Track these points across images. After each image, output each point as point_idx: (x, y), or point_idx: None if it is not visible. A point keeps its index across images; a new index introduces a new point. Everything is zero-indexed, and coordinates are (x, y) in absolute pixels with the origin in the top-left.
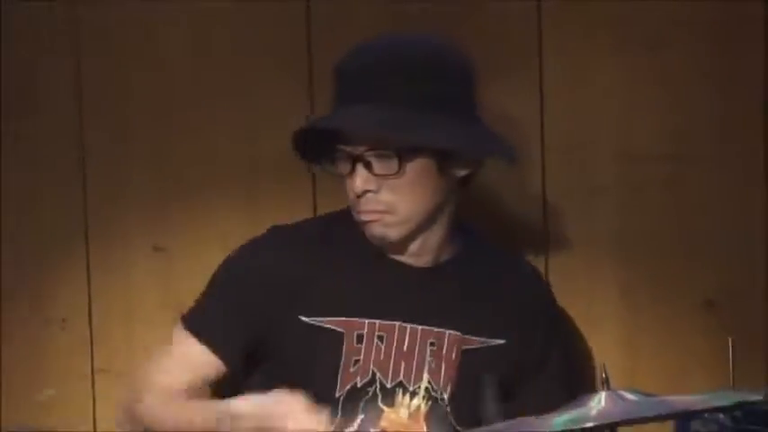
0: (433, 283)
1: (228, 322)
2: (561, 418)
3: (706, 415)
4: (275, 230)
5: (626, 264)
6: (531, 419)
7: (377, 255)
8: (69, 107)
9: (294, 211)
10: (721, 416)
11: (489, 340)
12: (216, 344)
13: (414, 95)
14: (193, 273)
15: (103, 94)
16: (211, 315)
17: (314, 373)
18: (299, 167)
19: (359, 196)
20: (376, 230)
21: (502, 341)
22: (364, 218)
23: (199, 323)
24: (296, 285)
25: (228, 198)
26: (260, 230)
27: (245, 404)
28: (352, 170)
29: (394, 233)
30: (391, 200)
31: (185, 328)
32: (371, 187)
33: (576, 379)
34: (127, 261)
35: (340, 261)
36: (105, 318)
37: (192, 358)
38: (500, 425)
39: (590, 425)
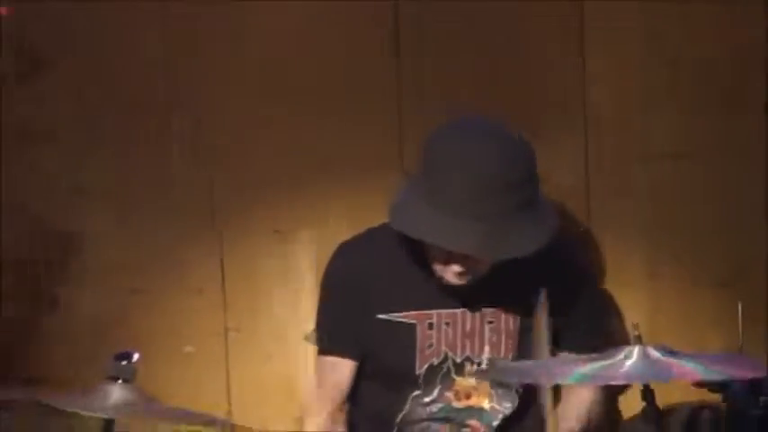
0: (488, 275)
1: (345, 327)
2: (580, 370)
3: None
4: (349, 242)
5: (653, 247)
6: (558, 364)
7: None
8: (192, 108)
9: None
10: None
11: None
12: (344, 350)
13: (506, 210)
14: (306, 251)
15: (225, 99)
16: (331, 329)
17: (394, 358)
18: (392, 164)
19: (456, 275)
20: (454, 283)
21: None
22: (452, 280)
23: (326, 342)
24: (370, 290)
25: (336, 188)
26: (360, 217)
27: None
28: (447, 259)
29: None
30: (476, 272)
31: (318, 353)
32: (464, 269)
33: (608, 338)
34: (252, 242)
35: (405, 265)
36: (234, 287)
37: (338, 378)
38: (529, 363)
39: (601, 383)
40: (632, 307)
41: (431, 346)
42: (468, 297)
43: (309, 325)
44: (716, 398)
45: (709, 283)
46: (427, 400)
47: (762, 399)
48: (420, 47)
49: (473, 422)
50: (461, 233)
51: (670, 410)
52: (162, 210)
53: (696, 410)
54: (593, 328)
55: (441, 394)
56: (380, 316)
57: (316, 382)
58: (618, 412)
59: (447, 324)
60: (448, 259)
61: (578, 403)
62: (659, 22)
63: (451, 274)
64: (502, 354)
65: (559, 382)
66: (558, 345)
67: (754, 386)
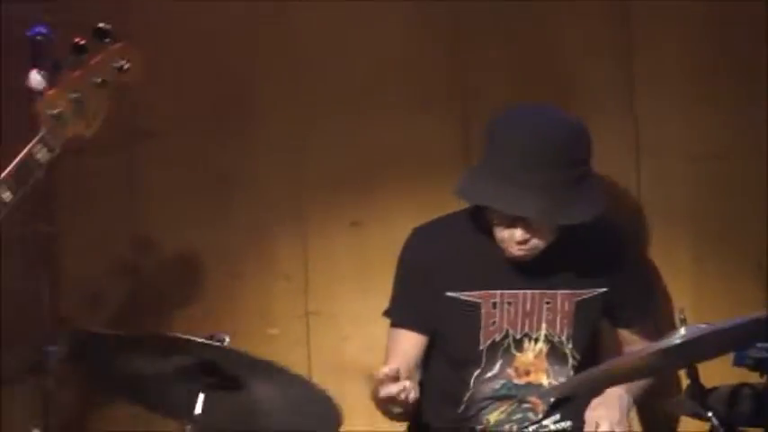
0: (545, 257)
1: (416, 303)
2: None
3: (758, 345)
4: (422, 227)
5: (697, 233)
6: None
7: None
8: (291, 113)
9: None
10: None
11: (594, 290)
12: (416, 325)
13: (564, 181)
14: (379, 241)
15: (313, 104)
16: (403, 304)
17: (460, 334)
18: (456, 161)
19: (518, 243)
20: (519, 258)
21: (605, 289)
22: (517, 253)
23: (398, 316)
24: (441, 270)
25: (405, 185)
26: (427, 210)
27: None
28: (510, 225)
29: (531, 257)
30: (536, 243)
31: (391, 325)
32: (525, 238)
33: (659, 316)
34: (331, 234)
35: (472, 248)
36: (316, 274)
37: (406, 348)
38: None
39: (676, 342)
40: (678, 291)
41: (494, 323)
42: (528, 279)
43: (381, 308)
44: (755, 377)
45: (751, 268)
46: (489, 375)
47: None
48: (481, 44)
49: (533, 398)
50: (522, 199)
51: (712, 388)
52: (255, 205)
53: (737, 388)
54: (646, 308)
55: (502, 370)
56: (449, 294)
57: (388, 353)
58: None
59: (509, 303)
60: (510, 224)
61: None
62: (699, 24)
63: (515, 246)
64: (557, 331)
65: None
66: (613, 323)
67: None
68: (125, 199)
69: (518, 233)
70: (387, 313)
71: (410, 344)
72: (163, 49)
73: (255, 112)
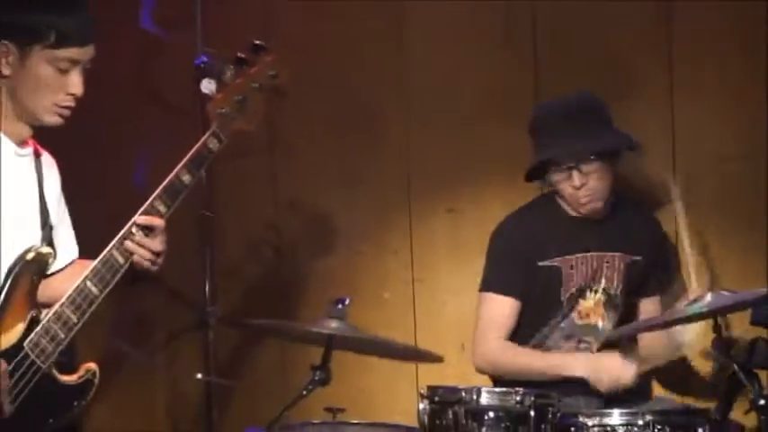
0: (603, 228)
1: (512, 272)
2: (690, 308)
3: None
4: (512, 215)
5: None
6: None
7: (574, 218)
8: (403, 125)
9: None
10: None
11: (635, 257)
12: (512, 290)
13: (597, 128)
14: (470, 224)
15: (430, 111)
16: (499, 274)
17: (547, 292)
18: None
19: (578, 189)
20: (591, 206)
21: (639, 257)
22: (583, 200)
23: (493, 283)
24: (532, 246)
25: (492, 178)
26: (510, 199)
27: (575, 358)
28: (570, 175)
29: (600, 205)
30: (594, 185)
31: (486, 291)
32: (584, 182)
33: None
34: (432, 218)
35: (551, 226)
36: (420, 250)
37: (500, 314)
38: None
39: (705, 310)
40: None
41: (570, 280)
42: (592, 244)
43: (473, 280)
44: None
45: (763, 243)
46: (557, 319)
47: None
48: (555, 51)
49: (589, 338)
50: (566, 147)
51: (734, 341)
52: (372, 197)
53: (754, 340)
54: (668, 281)
55: (568, 313)
56: (540, 263)
57: (488, 320)
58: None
59: (582, 264)
60: (568, 176)
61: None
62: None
63: (581, 195)
64: (614, 284)
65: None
66: (640, 293)
67: None
68: (267, 193)
69: (576, 178)
70: (488, 287)
71: (511, 309)
72: (300, 68)
73: (376, 124)
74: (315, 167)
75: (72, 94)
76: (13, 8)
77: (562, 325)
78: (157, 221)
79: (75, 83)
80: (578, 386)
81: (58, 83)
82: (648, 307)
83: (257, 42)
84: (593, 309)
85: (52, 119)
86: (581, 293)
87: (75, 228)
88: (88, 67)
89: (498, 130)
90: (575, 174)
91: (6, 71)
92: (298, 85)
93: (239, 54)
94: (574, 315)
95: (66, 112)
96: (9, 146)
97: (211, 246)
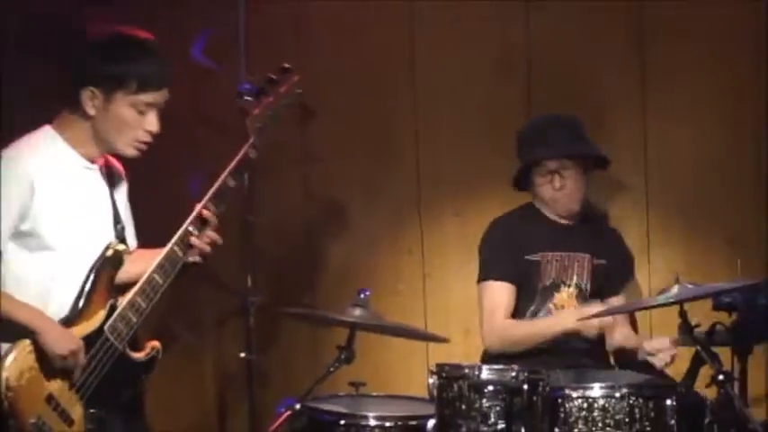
0: (575, 232)
1: (506, 261)
2: (660, 297)
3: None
4: (499, 218)
5: (677, 214)
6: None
7: (552, 222)
8: (417, 140)
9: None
10: None
11: (600, 260)
12: (508, 277)
13: (578, 136)
14: (473, 228)
15: (437, 121)
16: (496, 263)
17: (529, 282)
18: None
19: (557, 190)
20: (568, 207)
21: (604, 261)
22: (561, 201)
23: (492, 272)
24: (519, 241)
25: (492, 187)
26: (507, 205)
27: (563, 315)
28: (552, 178)
29: (576, 206)
30: (571, 187)
31: (486, 280)
32: (563, 184)
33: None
34: (440, 221)
35: (533, 227)
36: (430, 249)
37: (502, 297)
38: (617, 305)
39: (672, 300)
40: (673, 262)
41: (548, 274)
42: (566, 245)
43: (475, 275)
44: (728, 318)
45: (720, 243)
46: (537, 308)
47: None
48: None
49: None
50: (556, 146)
51: (696, 325)
52: (389, 204)
53: (714, 324)
54: (626, 280)
55: (544, 304)
56: (526, 257)
57: (491, 305)
58: None
59: (557, 261)
60: (551, 179)
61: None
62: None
63: (559, 195)
64: (584, 280)
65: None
66: (604, 293)
67: (753, 289)
68: (301, 202)
69: (557, 181)
70: (486, 276)
71: (509, 292)
72: (327, 93)
73: (393, 140)
74: (340, 178)
75: (149, 131)
76: (100, 59)
77: (540, 314)
78: (212, 215)
79: (152, 122)
80: (558, 360)
81: (138, 122)
82: (614, 303)
83: (285, 66)
84: (566, 300)
85: (131, 152)
86: (556, 287)
87: (142, 227)
88: (162, 107)
89: (502, 146)
90: (556, 177)
91: (92, 112)
92: (327, 107)
93: (271, 75)
94: (550, 305)
95: (144, 147)
96: (79, 161)
97: (252, 244)
